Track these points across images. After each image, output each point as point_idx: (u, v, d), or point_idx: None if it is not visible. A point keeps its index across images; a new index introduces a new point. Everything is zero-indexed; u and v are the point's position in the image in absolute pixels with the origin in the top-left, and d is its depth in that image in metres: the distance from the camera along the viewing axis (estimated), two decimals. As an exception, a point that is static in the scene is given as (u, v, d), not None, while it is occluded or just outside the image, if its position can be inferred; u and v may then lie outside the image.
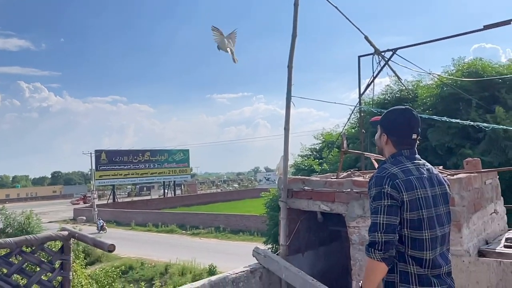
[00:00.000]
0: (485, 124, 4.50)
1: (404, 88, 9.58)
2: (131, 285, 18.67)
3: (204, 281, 3.14)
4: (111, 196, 55.43)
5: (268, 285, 3.54)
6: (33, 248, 2.30)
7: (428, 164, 2.22)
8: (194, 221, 34.26)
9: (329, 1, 4.70)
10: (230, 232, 30.27)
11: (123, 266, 21.15)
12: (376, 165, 4.00)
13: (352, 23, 5.36)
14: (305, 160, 11.74)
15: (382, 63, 6.30)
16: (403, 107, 2.27)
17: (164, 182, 59.18)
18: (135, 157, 53.71)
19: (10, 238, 2.20)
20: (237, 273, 3.33)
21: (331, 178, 3.90)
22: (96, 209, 43.01)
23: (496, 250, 3.06)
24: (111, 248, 2.34)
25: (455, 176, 3.14)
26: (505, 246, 3.12)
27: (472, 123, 4.82)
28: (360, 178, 3.60)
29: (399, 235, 2.00)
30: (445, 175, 3.06)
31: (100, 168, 49.81)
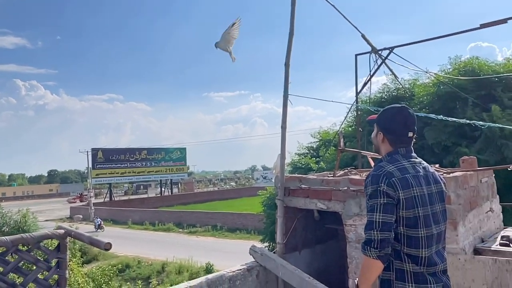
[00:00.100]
0: (481, 123, 4.52)
1: (401, 86, 9.61)
2: (128, 283, 18.63)
3: (201, 279, 3.14)
4: (108, 195, 55.36)
5: (265, 283, 3.55)
6: (29, 246, 2.29)
7: (424, 162, 2.23)
8: (191, 220, 34.27)
9: (326, 0, 4.70)
10: (227, 231, 30.30)
11: (120, 265, 21.12)
12: (372, 164, 4.01)
13: (349, 21, 5.36)
14: (302, 158, 11.74)
15: (379, 61, 6.30)
16: (399, 105, 2.28)
17: (161, 180, 59.15)
18: (132, 156, 53.62)
19: (6, 237, 2.19)
20: (234, 271, 3.34)
21: (328, 176, 3.91)
22: (92, 208, 42.95)
23: (492, 248, 3.07)
24: (107, 247, 2.34)
25: (451, 174, 3.15)
26: (501, 244, 3.13)
27: (468, 121, 4.84)
28: (357, 177, 3.61)
29: (395, 233, 2.01)
30: (441, 173, 3.07)
31: (97, 166, 49.71)
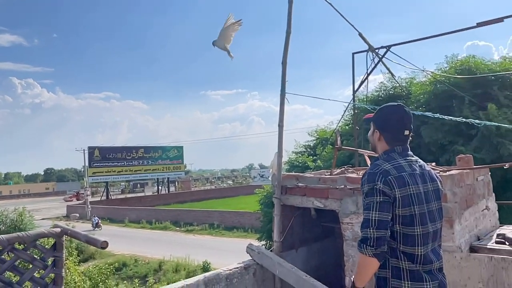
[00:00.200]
0: (477, 121, 4.53)
1: (397, 85, 9.62)
2: (125, 282, 18.62)
3: (198, 277, 3.15)
4: (105, 193, 55.19)
5: (261, 281, 3.55)
6: (25, 245, 2.28)
7: (421, 161, 2.23)
8: (188, 218, 34.22)
9: (323, -2, 4.69)
10: (224, 229, 30.27)
11: (116, 263, 21.02)
12: (369, 162, 4.02)
13: (347, 20, 5.37)
14: (299, 157, 11.74)
15: (376, 60, 6.32)
16: (396, 103, 2.29)
17: (158, 179, 59.01)
18: (129, 154, 53.47)
19: (2, 235, 2.19)
20: (231, 270, 3.34)
21: (325, 175, 3.91)
22: (89, 206, 42.84)
23: (488, 246, 3.09)
24: (104, 245, 2.33)
25: (447, 173, 3.16)
26: (497, 242, 3.15)
27: (465, 120, 4.86)
28: (354, 175, 3.62)
29: (391, 231, 2.01)
30: (438, 171, 3.07)
31: (93, 165, 49.55)
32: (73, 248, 17.61)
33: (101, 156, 50.31)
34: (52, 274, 2.38)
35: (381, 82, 10.17)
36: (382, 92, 9.98)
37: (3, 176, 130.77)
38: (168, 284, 3.32)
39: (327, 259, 4.30)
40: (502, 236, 3.21)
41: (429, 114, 4.79)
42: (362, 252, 1.99)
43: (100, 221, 34.46)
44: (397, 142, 2.19)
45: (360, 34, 5.74)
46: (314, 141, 12.47)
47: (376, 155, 2.30)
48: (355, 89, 7.03)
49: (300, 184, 3.73)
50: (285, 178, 3.88)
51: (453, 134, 7.67)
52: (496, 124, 5.84)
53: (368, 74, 6.56)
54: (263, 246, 8.04)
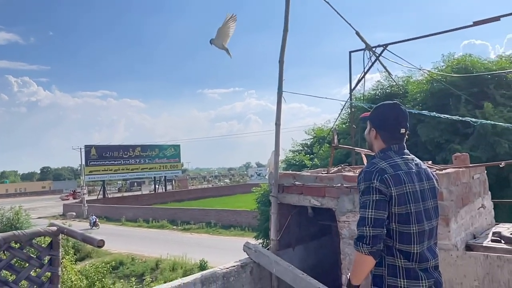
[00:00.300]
0: (473, 119, 4.54)
1: (394, 83, 9.64)
2: (122, 280, 18.61)
3: (195, 276, 3.15)
4: (101, 192, 55.08)
5: (258, 279, 3.56)
6: (21, 244, 2.28)
7: (417, 159, 2.24)
8: (185, 217, 34.21)
9: (320, -4, 4.69)
10: (221, 227, 30.29)
11: (113, 262, 21.07)
12: (365, 160, 4.03)
13: (344, 19, 5.36)
14: (296, 155, 11.76)
15: (373, 58, 6.32)
16: (391, 102, 2.30)
17: (155, 177, 58.98)
18: (126, 153, 53.39)
19: (-2, 234, 2.18)
20: (227, 268, 3.34)
21: (322, 173, 3.92)
22: (86, 205, 42.75)
23: (484, 244, 3.10)
24: (100, 244, 2.33)
25: (443, 171, 3.17)
26: (492, 240, 3.16)
27: (461, 118, 4.87)
28: (351, 173, 3.62)
29: (387, 229, 2.02)
30: (434, 170, 3.09)
31: (90, 163, 49.45)
32: (69, 247, 17.60)
33: (98, 155, 50.21)
34: (49, 273, 2.38)
35: (378, 81, 10.21)
36: (379, 90, 10.00)
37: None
38: (165, 282, 3.32)
39: (324, 258, 4.31)
40: (497, 234, 3.22)
41: (425, 112, 4.80)
42: (358, 250, 2.00)
43: (97, 220, 34.40)
44: (393, 140, 2.19)
45: (357, 33, 5.74)
46: (311, 140, 12.49)
47: (373, 154, 2.31)
48: (352, 87, 7.03)
49: (297, 183, 3.74)
50: (282, 177, 3.89)
51: (450, 132, 7.70)
52: (492, 122, 5.86)
53: (365, 73, 6.57)
54: (260, 245, 8.05)
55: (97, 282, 14.40)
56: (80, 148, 48.75)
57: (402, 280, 2.03)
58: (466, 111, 7.41)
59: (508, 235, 3.10)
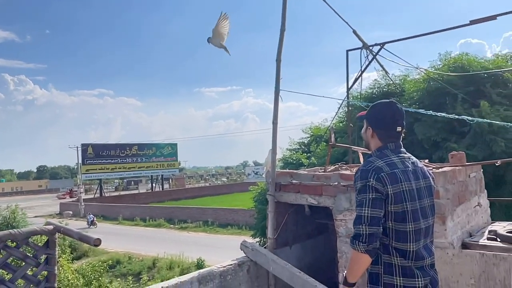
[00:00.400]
0: (470, 118, 4.56)
1: (391, 82, 9.65)
2: (119, 279, 18.58)
3: (192, 274, 3.15)
4: (98, 191, 54.95)
5: (255, 278, 3.56)
6: (17, 242, 2.27)
7: (413, 157, 2.25)
8: (182, 215, 34.19)
9: (317, -5, 4.69)
10: (219, 226, 30.30)
11: (110, 261, 21.01)
12: (362, 159, 4.03)
13: (341, 17, 5.37)
14: (294, 154, 11.76)
15: (370, 57, 6.32)
16: (387, 100, 2.30)
17: (152, 176, 58.85)
18: (123, 151, 53.25)
19: (-6, 233, 2.17)
20: (224, 267, 3.34)
21: (319, 172, 3.92)
22: (82, 204, 42.65)
23: (480, 243, 3.11)
24: (97, 243, 2.32)
25: (440, 170, 3.17)
26: (488, 239, 3.17)
27: (457, 116, 4.88)
28: (347, 172, 3.63)
29: (383, 228, 2.03)
30: (430, 168, 3.09)
31: (87, 162, 49.29)
32: (66, 246, 17.59)
33: (95, 153, 50.05)
34: (45, 272, 2.37)
35: (375, 80, 10.20)
36: (376, 89, 10.00)
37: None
38: (162, 281, 3.31)
39: (321, 256, 4.32)
40: (493, 232, 3.24)
41: (422, 111, 4.81)
42: (354, 248, 2.01)
43: (95, 219, 34.32)
44: (389, 138, 2.20)
45: (354, 32, 5.74)
46: (308, 138, 12.48)
47: (370, 152, 2.31)
48: (349, 86, 7.03)
49: (294, 181, 3.74)
50: (279, 175, 3.89)
51: (446, 131, 7.72)
52: (488, 121, 5.87)
53: (362, 72, 6.57)
54: (257, 243, 8.06)
55: (94, 281, 14.39)
56: (77, 147, 48.60)
57: (398, 278, 2.04)
58: (463, 110, 7.42)
59: (504, 233, 3.11)
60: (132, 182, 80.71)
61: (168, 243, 24.65)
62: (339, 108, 8.62)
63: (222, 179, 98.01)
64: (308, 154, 10.95)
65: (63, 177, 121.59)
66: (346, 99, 7.27)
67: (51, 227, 2.40)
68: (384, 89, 9.88)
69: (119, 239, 25.93)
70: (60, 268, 12.45)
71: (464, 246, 3.11)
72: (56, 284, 2.38)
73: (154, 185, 59.15)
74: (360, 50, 6.27)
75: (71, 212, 43.05)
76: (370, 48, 6.22)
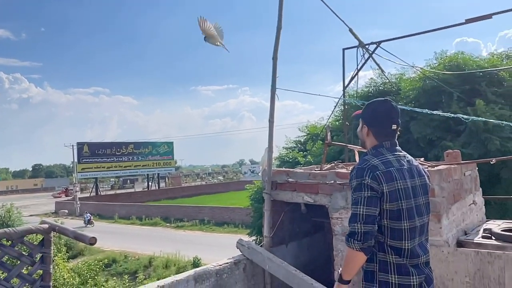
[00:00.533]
0: (465, 116, 4.58)
1: (387, 81, 9.67)
2: (115, 278, 18.53)
3: (188, 273, 3.14)
4: (94, 189, 54.79)
5: (251, 276, 3.56)
6: (12, 241, 2.26)
7: (409, 156, 2.26)
8: (178, 214, 34.14)
9: (313, -7, 4.69)
10: (215, 225, 30.27)
11: (106, 260, 21.00)
12: (357, 157, 4.04)
13: (337, 16, 5.37)
14: (290, 152, 11.75)
15: (366, 56, 6.33)
16: (382, 98, 2.31)
17: (148, 174, 58.75)
18: (118, 150, 53.09)
19: (-12, 232, 2.16)
20: (221, 265, 3.34)
21: (315, 170, 3.92)
22: (78, 202, 42.49)
23: (474, 241, 3.13)
24: (92, 241, 2.32)
25: (435, 168, 3.19)
26: (483, 237, 3.19)
27: (453, 115, 4.90)
28: (343, 170, 3.64)
29: (378, 226, 2.04)
30: (426, 166, 3.10)
31: (83, 160, 49.12)
32: (62, 245, 17.52)
33: (90, 152, 49.88)
34: (40, 271, 2.36)
35: (371, 78, 10.21)
36: (372, 88, 10.01)
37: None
38: (158, 280, 3.31)
39: (317, 254, 4.33)
40: (488, 231, 3.26)
41: (417, 109, 4.82)
42: (349, 246, 2.02)
43: (92, 218, 34.21)
44: (385, 136, 2.21)
45: (350, 30, 5.75)
46: (305, 137, 12.48)
47: (366, 151, 2.32)
48: (345, 85, 7.04)
49: (290, 180, 3.74)
50: (276, 174, 3.89)
51: (442, 129, 7.74)
52: (483, 119, 5.90)
53: (358, 70, 6.57)
54: (254, 242, 8.06)
55: (90, 279, 14.37)
56: (72, 145, 48.37)
57: (393, 276, 2.05)
58: (458, 108, 7.45)
59: (498, 231, 3.13)
60: (128, 181, 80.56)
61: (164, 242, 24.61)
62: (335, 106, 8.64)
63: (219, 177, 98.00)
64: (305, 153, 10.95)
65: (59, 176, 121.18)
66: (342, 97, 7.28)
67: (46, 225, 2.39)
68: (380, 88, 9.89)
69: (115, 238, 25.88)
70: (56, 267, 12.42)
71: (459, 244, 3.13)
72: (51, 283, 2.38)
73: (150, 183, 59.04)
74: (356, 48, 6.27)
75: (66, 211, 42.89)
76: (366, 46, 6.23)
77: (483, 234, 3.24)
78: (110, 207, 40.91)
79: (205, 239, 25.71)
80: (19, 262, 2.29)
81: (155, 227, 32.16)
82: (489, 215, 4.22)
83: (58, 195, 66.97)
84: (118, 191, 64.66)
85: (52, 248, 2.40)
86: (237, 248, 3.64)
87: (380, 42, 6.31)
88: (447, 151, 3.86)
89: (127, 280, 16.19)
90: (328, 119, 8.79)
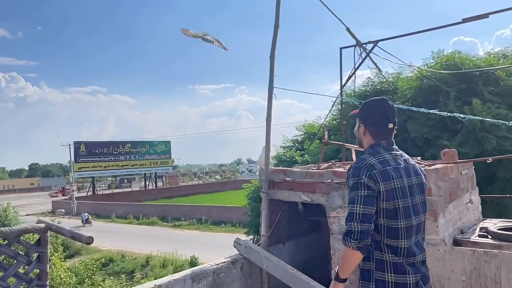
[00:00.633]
0: (461, 115, 4.59)
1: (384, 80, 9.68)
2: (112, 277, 18.54)
3: (185, 272, 3.15)
4: (91, 189, 54.66)
5: (249, 275, 3.56)
6: (8, 240, 2.25)
7: (405, 155, 2.26)
8: (175, 213, 34.11)
9: (310, -8, 4.69)
10: (212, 224, 30.26)
11: (103, 259, 20.96)
12: (354, 156, 4.05)
13: (335, 15, 5.38)
14: (287, 151, 11.75)
15: (364, 55, 6.34)
16: (379, 97, 2.32)
17: (145, 174, 58.67)
18: (116, 149, 52.97)
19: (-15, 231, 2.15)
20: (218, 264, 3.34)
21: (312, 169, 3.93)
22: (75, 202, 42.41)
23: (471, 240, 3.14)
24: (89, 241, 2.31)
25: (432, 167, 3.19)
26: (480, 236, 3.20)
27: (449, 114, 4.91)
28: (341, 169, 3.64)
29: (375, 224, 2.04)
30: (423, 165, 3.11)
31: (79, 160, 48.99)
32: (59, 244, 17.49)
33: (87, 151, 49.76)
34: (37, 270, 2.36)
35: (368, 77, 10.21)
36: (369, 87, 10.02)
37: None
38: (155, 279, 3.30)
39: (314, 253, 4.33)
40: (485, 229, 3.27)
41: (414, 108, 4.83)
42: (346, 245, 2.03)
43: (90, 217, 34.12)
44: (382, 136, 2.21)
45: (347, 29, 5.76)
46: (302, 136, 12.49)
47: (363, 150, 2.32)
48: (343, 84, 7.05)
49: (287, 179, 3.75)
50: (273, 173, 3.89)
51: (439, 128, 7.76)
52: (480, 118, 5.92)
53: (356, 69, 6.59)
54: (251, 241, 8.07)
55: (87, 279, 14.35)
56: (69, 145, 48.22)
57: (389, 274, 2.05)
58: (455, 108, 7.46)
59: (495, 230, 3.14)
60: (125, 180, 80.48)
61: (161, 241, 24.59)
62: (332, 105, 8.66)
63: (216, 176, 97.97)
64: (302, 152, 10.96)
65: (56, 175, 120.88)
66: (339, 96, 7.29)
67: (42, 225, 2.38)
68: (377, 87, 9.90)
69: (112, 237, 25.84)
70: (53, 266, 12.39)
71: (456, 243, 3.14)
72: (48, 282, 2.37)
73: (147, 183, 58.96)
74: (353, 47, 6.29)
75: (63, 210, 42.79)
76: (364, 46, 6.24)
77: (480, 233, 3.25)
78: (107, 206, 40.83)
79: (203, 238, 25.71)
80: (15, 261, 2.28)
81: (152, 227, 32.13)
82: (486, 214, 4.23)
83: (55, 194, 66.80)
84: (115, 191, 64.54)
85: (48, 248, 2.39)
86: (235, 247, 3.64)
87: (377, 41, 6.32)
88: (443, 150, 3.87)
89: (124, 280, 16.18)
90: (326, 118, 8.82)
